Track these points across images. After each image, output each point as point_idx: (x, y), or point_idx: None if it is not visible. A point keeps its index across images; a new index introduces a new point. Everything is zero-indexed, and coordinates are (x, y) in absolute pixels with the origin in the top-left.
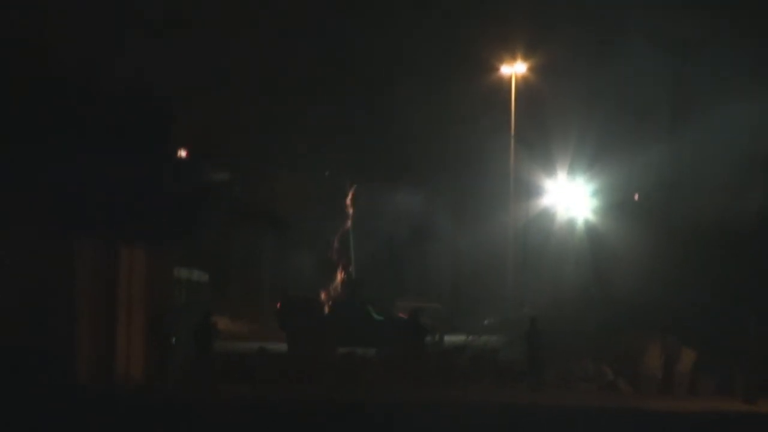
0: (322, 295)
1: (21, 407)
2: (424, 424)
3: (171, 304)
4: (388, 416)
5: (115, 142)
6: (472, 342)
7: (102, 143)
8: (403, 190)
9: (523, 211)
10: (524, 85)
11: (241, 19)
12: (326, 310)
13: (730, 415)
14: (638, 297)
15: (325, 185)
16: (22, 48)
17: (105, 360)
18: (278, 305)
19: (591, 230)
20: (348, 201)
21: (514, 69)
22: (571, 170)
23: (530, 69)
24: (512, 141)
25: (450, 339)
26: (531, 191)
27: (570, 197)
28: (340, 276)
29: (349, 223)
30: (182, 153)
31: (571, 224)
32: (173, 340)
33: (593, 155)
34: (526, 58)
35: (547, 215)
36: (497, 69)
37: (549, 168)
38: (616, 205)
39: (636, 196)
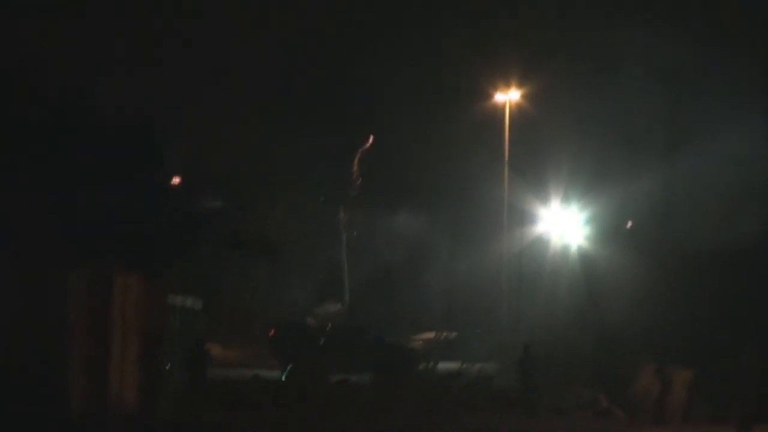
0: (316, 322)
1: None
2: None
3: (165, 331)
4: None
5: (109, 169)
6: (467, 369)
7: (95, 171)
8: (397, 217)
9: (517, 238)
10: (518, 112)
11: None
12: (320, 336)
13: None
14: (632, 323)
15: (318, 212)
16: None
17: (98, 387)
18: (271, 332)
19: (584, 257)
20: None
21: (509, 96)
22: (565, 198)
23: (524, 96)
24: (506, 168)
25: (444, 366)
26: (525, 218)
27: (564, 225)
28: (333, 303)
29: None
30: (175, 180)
31: (565, 251)
32: (167, 367)
33: (587, 183)
34: (520, 85)
35: (541, 242)
36: (491, 96)
37: (543, 195)
38: (609, 232)
39: (629, 224)
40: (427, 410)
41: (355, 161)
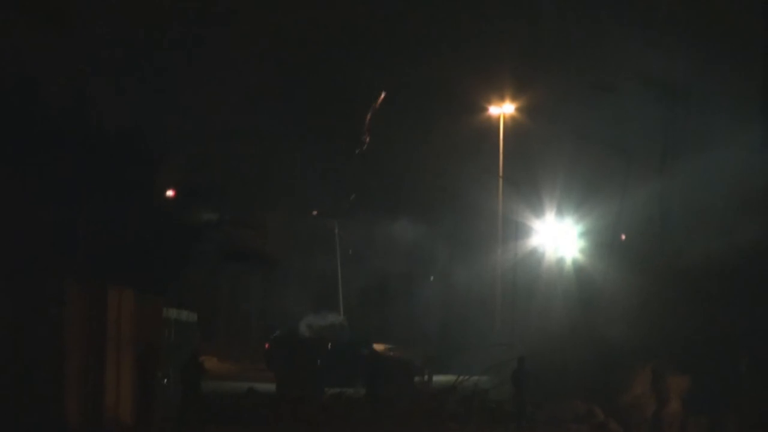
0: (311, 335)
1: None
2: None
3: (160, 344)
4: None
5: (104, 183)
6: (462, 382)
7: (90, 184)
8: (391, 230)
9: (512, 251)
10: (513, 125)
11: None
12: (315, 350)
13: None
14: (627, 336)
15: (312, 225)
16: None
17: (93, 401)
18: (266, 346)
19: (579, 270)
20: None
21: (503, 109)
22: (560, 211)
23: (518, 109)
24: (500, 181)
25: (439, 379)
26: (520, 231)
27: (558, 237)
28: (328, 315)
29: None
30: (170, 193)
31: (559, 264)
32: (165, 381)
33: (581, 196)
34: (514, 98)
35: (535, 255)
36: (486, 109)
37: (537, 208)
38: (603, 245)
39: (623, 237)
40: (423, 424)
41: (368, 116)
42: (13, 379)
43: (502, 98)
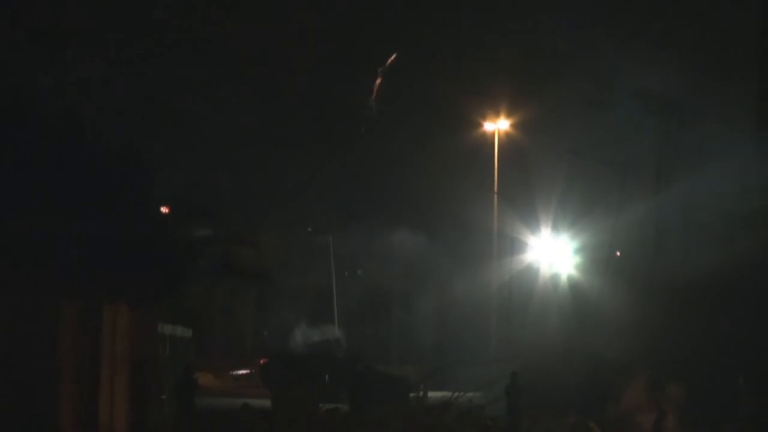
0: (306, 351)
1: None
2: None
3: (155, 361)
4: None
5: (98, 199)
6: (457, 398)
7: (84, 200)
8: (386, 245)
9: (507, 266)
10: (508, 141)
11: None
12: (310, 366)
13: None
14: (622, 350)
15: (307, 241)
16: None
17: (88, 418)
18: (261, 362)
19: (574, 285)
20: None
21: (497, 125)
22: (555, 227)
23: (513, 125)
24: (495, 197)
25: (435, 395)
26: (515, 247)
27: (553, 253)
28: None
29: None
30: (165, 210)
31: (554, 280)
32: (157, 396)
33: (576, 212)
34: (509, 114)
35: (531, 271)
36: (480, 125)
37: (533, 224)
38: (598, 261)
39: (618, 253)
40: None
41: (377, 81)
42: (8, 396)
43: (497, 114)
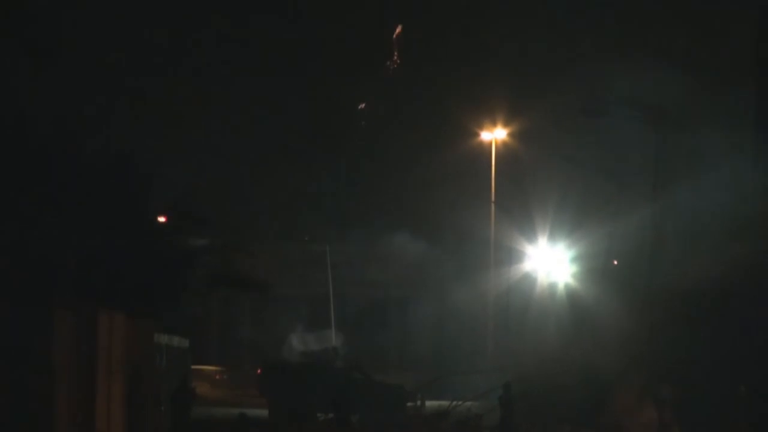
0: (303, 360)
1: None
2: None
3: (151, 370)
4: None
5: (95, 208)
6: (455, 408)
7: (81, 209)
8: (384, 254)
9: (504, 275)
10: (504, 150)
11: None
12: (307, 375)
13: None
14: (619, 359)
15: (304, 250)
16: None
17: (85, 428)
18: (258, 371)
19: (571, 294)
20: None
21: (494, 135)
22: (552, 236)
23: (510, 135)
24: (492, 207)
25: (432, 404)
26: (512, 256)
27: (551, 262)
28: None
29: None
30: (161, 219)
31: (551, 289)
32: (154, 406)
33: (573, 221)
34: (506, 123)
35: (528, 280)
36: (477, 134)
37: (530, 234)
38: (595, 270)
39: (615, 262)
40: None
41: (394, 46)
42: (3, 405)
43: (494, 123)
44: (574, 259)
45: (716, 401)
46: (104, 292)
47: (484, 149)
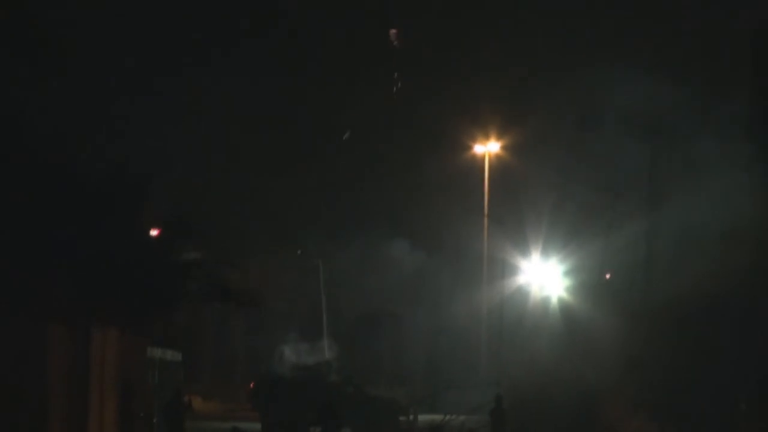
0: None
1: None
2: None
3: (144, 384)
4: None
5: (87, 221)
6: (448, 422)
7: (73, 223)
8: (377, 268)
9: (498, 289)
10: (498, 163)
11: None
12: (300, 389)
13: None
14: (611, 373)
15: (298, 263)
16: None
17: None
18: (251, 385)
19: (564, 308)
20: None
21: (487, 148)
22: (545, 250)
23: (504, 148)
24: (485, 220)
25: (425, 418)
26: (506, 270)
27: (544, 276)
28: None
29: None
30: (154, 232)
31: (545, 302)
32: (147, 420)
33: (567, 235)
34: (499, 137)
35: (521, 293)
36: (470, 148)
37: (523, 247)
38: (588, 284)
39: (608, 275)
40: None
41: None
42: None
43: (487, 137)
44: (568, 273)
45: (710, 414)
46: (97, 307)
47: (477, 162)
